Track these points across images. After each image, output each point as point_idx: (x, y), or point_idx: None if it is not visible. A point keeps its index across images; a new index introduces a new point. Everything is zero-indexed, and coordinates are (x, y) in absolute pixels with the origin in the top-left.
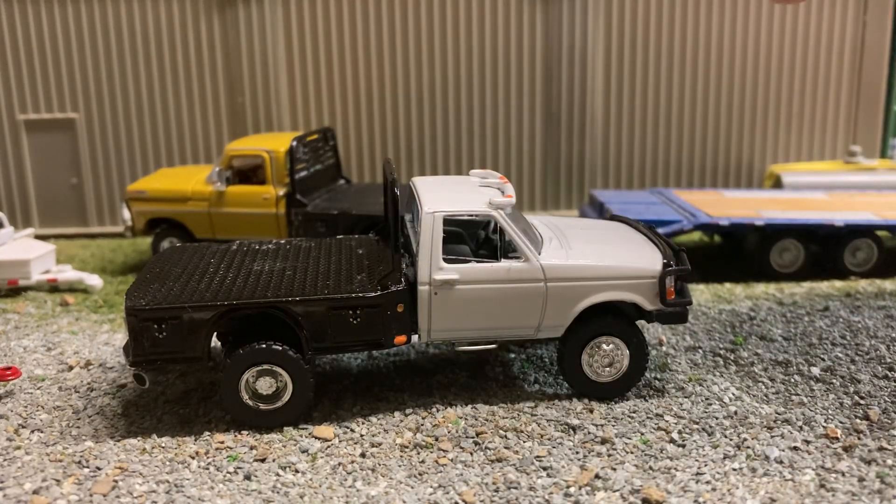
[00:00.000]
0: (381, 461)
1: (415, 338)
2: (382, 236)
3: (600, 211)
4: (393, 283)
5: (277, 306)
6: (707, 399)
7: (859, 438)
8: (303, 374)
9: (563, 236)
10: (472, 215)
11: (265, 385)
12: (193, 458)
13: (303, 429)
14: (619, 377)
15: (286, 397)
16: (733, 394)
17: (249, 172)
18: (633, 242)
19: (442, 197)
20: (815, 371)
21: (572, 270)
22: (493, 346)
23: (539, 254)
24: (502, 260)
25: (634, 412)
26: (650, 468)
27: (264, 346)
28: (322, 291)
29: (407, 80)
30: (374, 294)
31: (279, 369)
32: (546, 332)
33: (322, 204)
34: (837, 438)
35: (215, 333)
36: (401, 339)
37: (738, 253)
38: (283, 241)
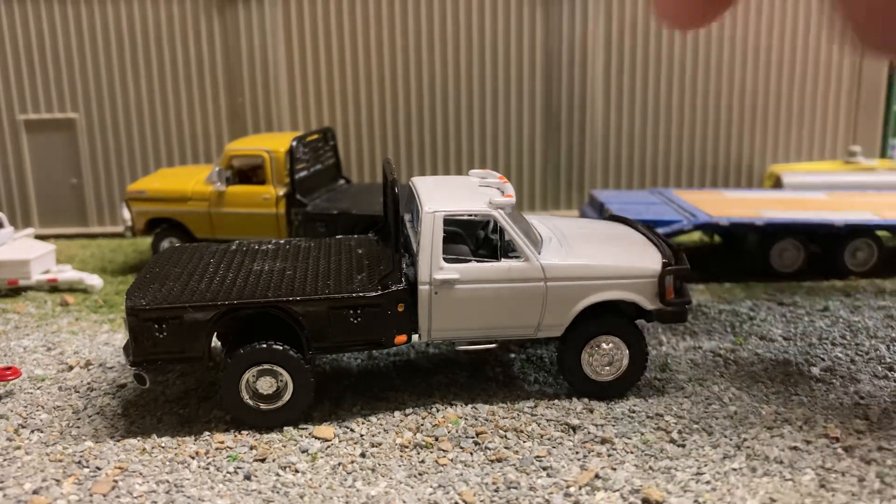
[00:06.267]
0: (381, 461)
1: (415, 337)
2: (382, 236)
3: (600, 211)
4: (393, 282)
5: (278, 306)
6: (707, 399)
7: (859, 438)
8: (303, 374)
9: (562, 236)
10: (472, 215)
11: (266, 385)
12: (193, 458)
13: (303, 429)
14: (618, 376)
15: (287, 397)
16: (733, 394)
17: (249, 172)
18: (633, 242)
19: (442, 197)
20: (815, 371)
21: (572, 270)
22: (493, 345)
23: (539, 253)
24: (502, 260)
25: (634, 412)
26: (650, 468)
27: (265, 345)
28: (322, 291)
29: (407, 81)
30: (374, 294)
31: (280, 369)
32: (546, 331)
33: (322, 204)
34: (837, 438)
35: (216, 333)
36: (401, 338)
37: (738, 253)
38: (282, 241)
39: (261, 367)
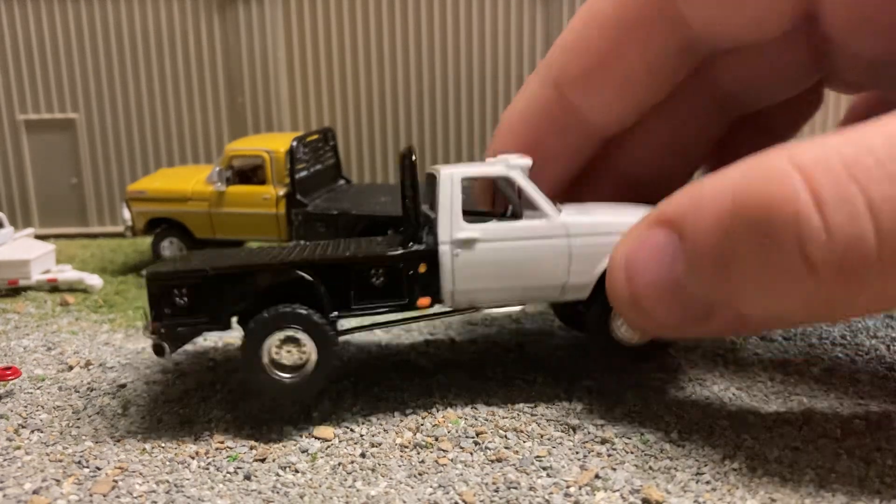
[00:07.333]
0: (381, 461)
1: (438, 307)
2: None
3: None
4: (414, 242)
5: (298, 268)
6: (707, 399)
7: (859, 439)
8: (328, 340)
9: (579, 205)
10: (488, 176)
11: (288, 353)
12: (193, 458)
13: (303, 429)
14: (647, 341)
15: (310, 367)
16: (733, 394)
17: (249, 172)
18: (648, 209)
19: (458, 166)
20: (815, 371)
21: (594, 226)
22: (519, 308)
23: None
24: (523, 219)
25: (634, 412)
26: (650, 468)
27: (288, 309)
28: (343, 254)
29: (407, 80)
30: (395, 253)
31: (303, 335)
32: (572, 292)
33: (322, 204)
34: (837, 439)
35: (236, 313)
36: (424, 300)
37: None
38: (304, 242)
39: (284, 335)
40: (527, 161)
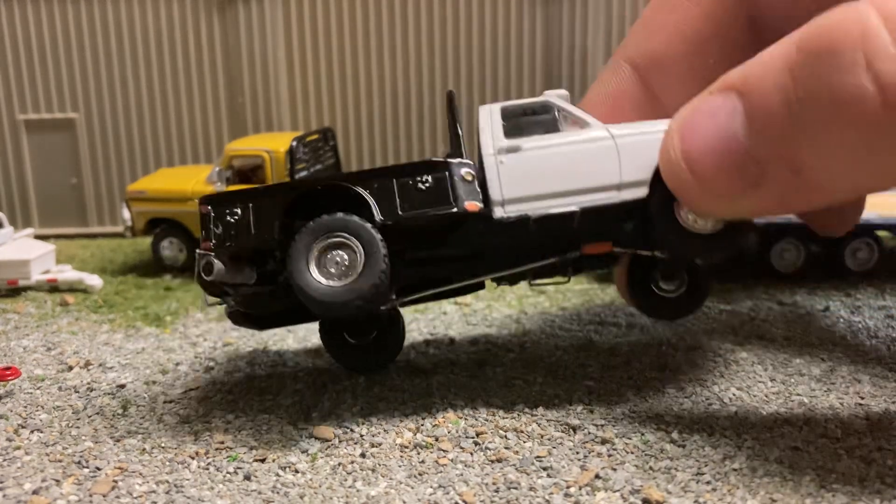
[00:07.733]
0: (381, 461)
1: (496, 212)
2: None
3: None
4: (457, 154)
5: (346, 182)
6: (707, 399)
7: (859, 439)
8: (374, 242)
9: None
10: (526, 105)
11: (337, 259)
12: (193, 458)
13: (303, 429)
14: (720, 228)
15: (358, 269)
16: (733, 394)
17: (249, 172)
18: None
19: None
20: (815, 371)
21: (639, 127)
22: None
23: None
24: (563, 131)
25: (634, 412)
26: (650, 468)
27: (334, 215)
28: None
29: (407, 80)
30: (438, 159)
31: (349, 239)
32: (629, 191)
33: None
34: (837, 439)
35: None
36: (473, 205)
37: (738, 253)
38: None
39: (328, 241)
40: (563, 91)
